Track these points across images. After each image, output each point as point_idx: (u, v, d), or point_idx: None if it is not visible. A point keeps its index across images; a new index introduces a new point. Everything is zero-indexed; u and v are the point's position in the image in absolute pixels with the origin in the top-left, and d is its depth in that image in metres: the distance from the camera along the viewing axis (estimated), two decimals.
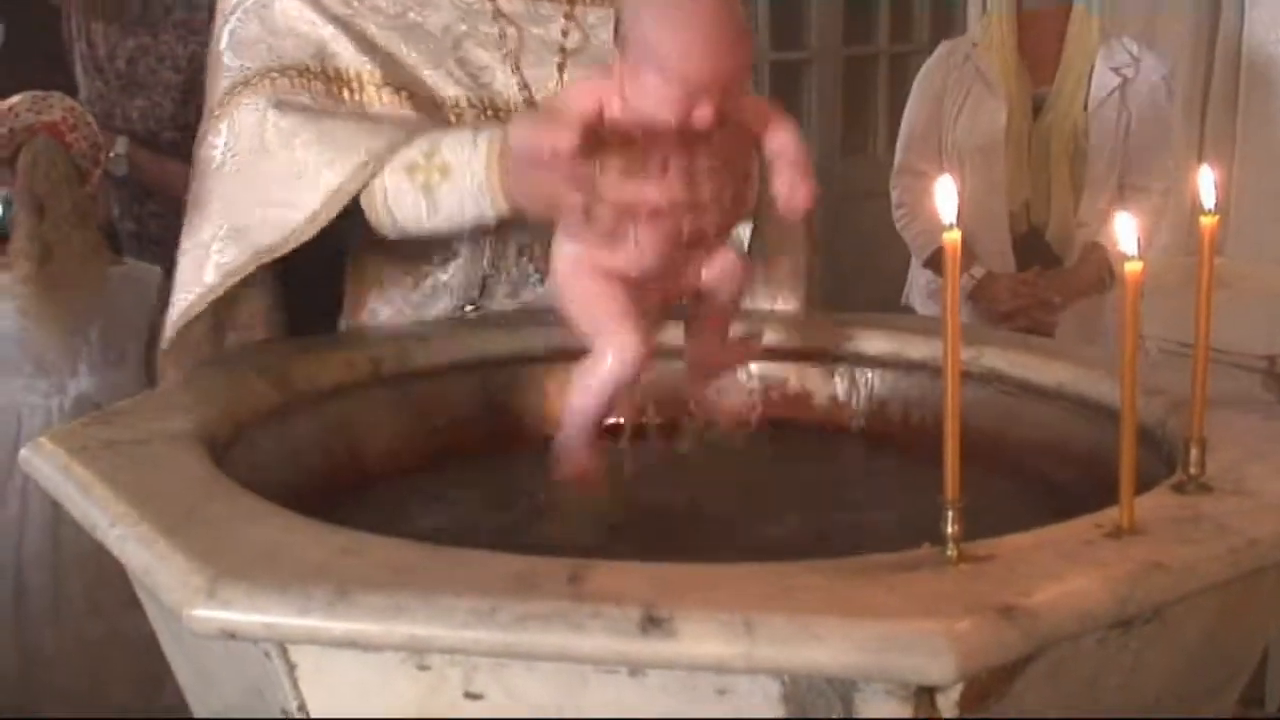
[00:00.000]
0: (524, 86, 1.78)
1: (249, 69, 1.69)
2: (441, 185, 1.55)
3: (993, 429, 1.53)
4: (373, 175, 1.57)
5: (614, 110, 1.34)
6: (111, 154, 2.95)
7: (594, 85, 1.39)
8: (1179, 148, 3.78)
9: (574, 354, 1.77)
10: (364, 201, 1.59)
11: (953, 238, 0.87)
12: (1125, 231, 0.92)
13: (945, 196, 0.89)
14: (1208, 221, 0.98)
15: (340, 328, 1.82)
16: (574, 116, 1.31)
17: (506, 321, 1.80)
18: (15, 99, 2.53)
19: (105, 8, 3.12)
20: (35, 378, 2.49)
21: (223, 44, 1.74)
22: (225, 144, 1.67)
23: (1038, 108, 3.27)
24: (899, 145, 3.44)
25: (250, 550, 1.06)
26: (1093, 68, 3.24)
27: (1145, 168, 3.23)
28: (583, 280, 1.41)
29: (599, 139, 1.33)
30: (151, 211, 3.13)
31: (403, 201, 1.58)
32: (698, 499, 1.50)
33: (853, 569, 0.96)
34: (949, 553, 0.95)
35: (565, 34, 1.82)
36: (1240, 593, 1.02)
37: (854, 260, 4.19)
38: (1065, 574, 0.92)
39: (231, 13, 1.75)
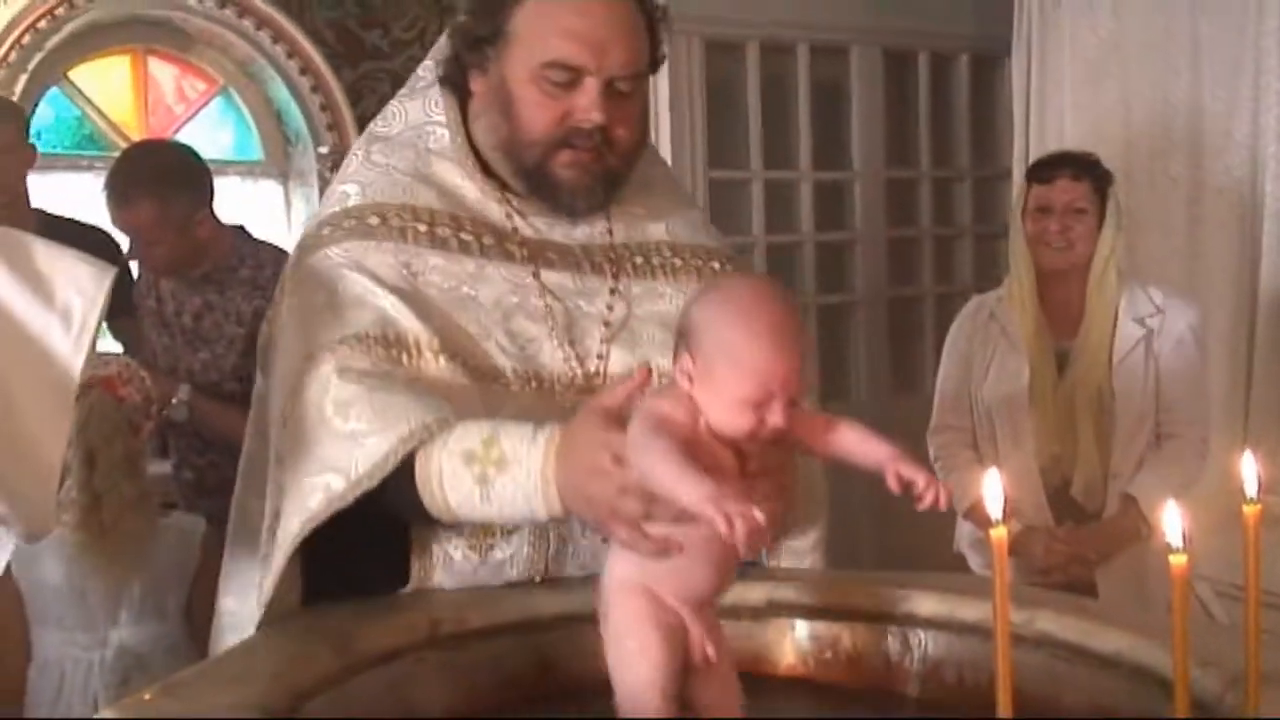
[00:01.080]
0: (569, 359, 1.83)
1: (312, 341, 1.76)
2: (498, 478, 1.58)
3: (1045, 694, 1.53)
4: (419, 445, 1.61)
5: (688, 427, 1.39)
6: (174, 400, 3.04)
7: (670, 405, 1.42)
8: (1221, 391, 3.80)
9: None
10: (419, 479, 1.62)
11: (999, 535, 0.90)
12: (1171, 524, 0.94)
13: (992, 492, 0.92)
14: (1251, 511, 1.00)
15: None
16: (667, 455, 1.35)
17: (562, 584, 1.82)
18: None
19: (171, 272, 3.24)
20: (76, 630, 2.50)
21: (284, 319, 1.83)
22: (285, 416, 1.73)
23: (1062, 364, 3.29)
24: (934, 403, 3.48)
25: None
26: (1117, 319, 3.26)
27: (1178, 414, 3.22)
28: (631, 604, 1.45)
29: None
30: (211, 461, 3.20)
31: (459, 486, 1.61)
32: None
33: None
34: None
35: (610, 308, 1.89)
36: None
37: (907, 501, 4.19)
38: None
39: (295, 291, 1.85)
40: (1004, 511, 0.92)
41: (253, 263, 3.29)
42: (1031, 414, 3.25)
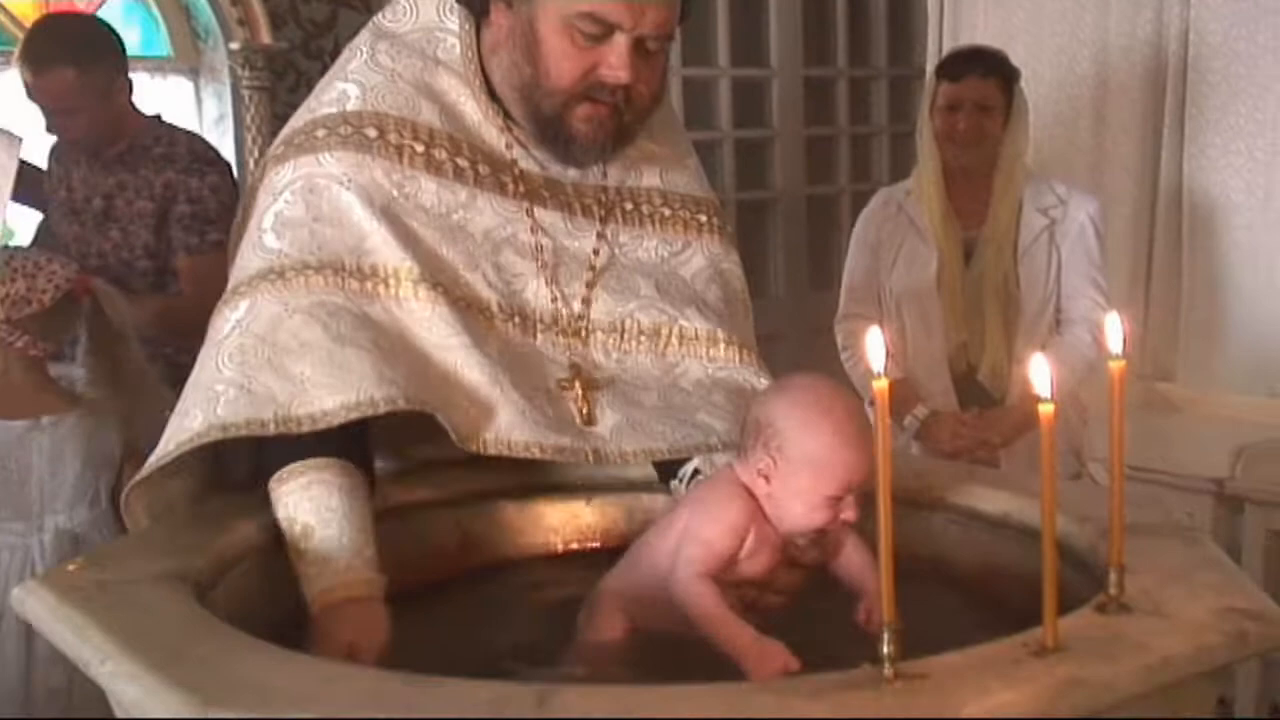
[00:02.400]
0: (554, 298, 1.83)
1: (287, 256, 1.72)
2: (299, 561, 1.61)
3: (937, 553, 1.62)
4: (366, 416, 1.61)
5: (753, 538, 1.50)
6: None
7: (738, 516, 1.52)
8: (1121, 282, 3.91)
9: (543, 489, 1.88)
10: (273, 481, 1.65)
11: (880, 386, 0.97)
12: (1039, 373, 1.01)
13: (875, 346, 0.98)
14: (1116, 366, 1.08)
15: None
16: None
17: (483, 463, 1.87)
18: (21, 270, 2.57)
19: (90, 145, 3.18)
20: (10, 520, 2.50)
21: (266, 221, 1.77)
22: (239, 320, 1.70)
23: (969, 253, 3.36)
24: (842, 292, 3.54)
25: (236, 683, 1.13)
26: (1022, 210, 3.33)
27: (1077, 302, 3.31)
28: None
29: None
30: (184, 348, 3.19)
31: (283, 525, 1.64)
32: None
33: (799, 689, 1.03)
34: (886, 672, 1.02)
35: (596, 252, 1.87)
36: (1160, 706, 1.09)
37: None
38: (994, 690, 1.00)
39: (280, 193, 1.78)
40: (885, 365, 0.99)
41: (167, 141, 3.24)
42: (939, 302, 3.32)
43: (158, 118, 3.35)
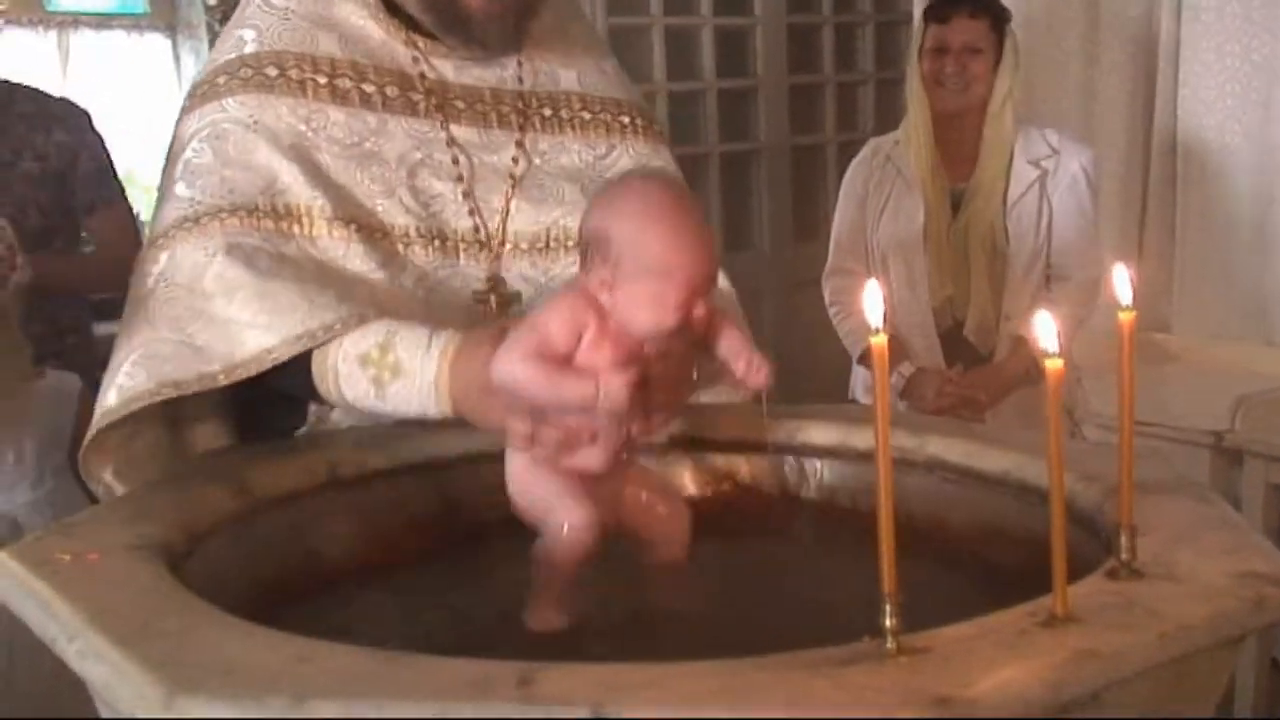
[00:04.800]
0: (474, 212, 1.82)
1: (200, 203, 1.71)
2: (392, 383, 1.60)
3: (937, 516, 1.57)
4: (304, 349, 1.60)
5: (593, 332, 1.42)
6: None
7: (573, 313, 1.43)
8: (1114, 230, 3.87)
9: None
10: (316, 372, 1.63)
11: (879, 342, 0.91)
12: (1044, 329, 0.96)
13: (872, 301, 0.93)
14: (1125, 318, 1.02)
15: None
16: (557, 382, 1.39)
17: (458, 424, 1.83)
18: None
19: None
20: None
21: (177, 172, 1.76)
22: (161, 273, 1.69)
23: (957, 204, 3.30)
24: (830, 246, 3.50)
25: (206, 661, 1.08)
26: (1012, 161, 3.28)
27: (1069, 257, 3.27)
28: (533, 474, 1.49)
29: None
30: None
31: (354, 386, 1.62)
32: (648, 595, 1.53)
33: (797, 664, 0.98)
34: (888, 645, 0.98)
35: (515, 161, 1.86)
36: (1175, 675, 1.05)
37: (807, 345, 4.25)
38: (1001, 663, 0.95)
39: (188, 142, 1.78)
40: (884, 320, 0.94)
41: (30, 98, 3.18)
42: (925, 255, 3.28)
43: None
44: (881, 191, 3.38)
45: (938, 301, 3.31)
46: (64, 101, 3.30)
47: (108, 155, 3.27)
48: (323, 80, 1.78)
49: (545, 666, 0.99)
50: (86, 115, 3.28)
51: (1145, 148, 4.01)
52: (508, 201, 1.84)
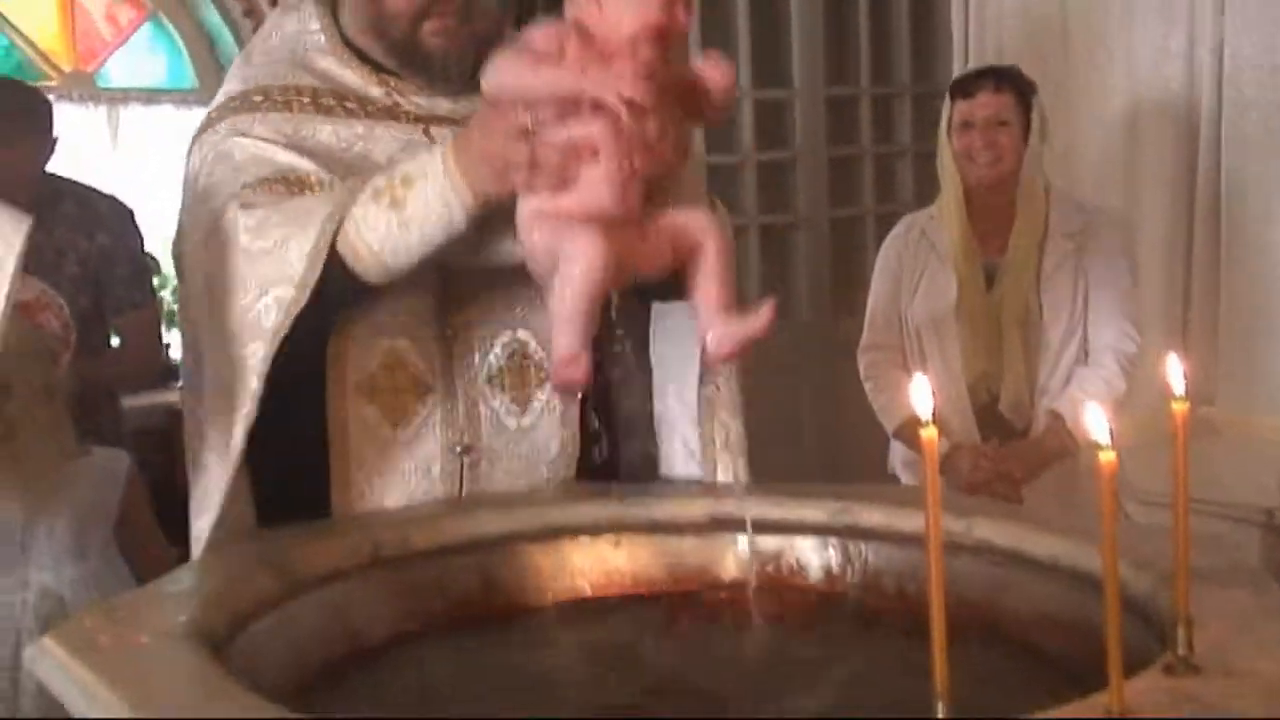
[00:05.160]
0: None
1: (218, 201, 1.78)
2: (408, 195, 1.63)
3: (986, 600, 1.55)
4: (336, 224, 1.65)
5: (575, 43, 1.50)
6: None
7: (554, 29, 1.53)
8: (1157, 304, 3.84)
9: (567, 531, 1.82)
10: (342, 250, 1.66)
11: (929, 435, 0.90)
12: (1096, 421, 0.95)
13: (920, 393, 0.92)
14: (1179, 408, 1.01)
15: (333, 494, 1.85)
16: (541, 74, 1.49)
17: (500, 503, 1.83)
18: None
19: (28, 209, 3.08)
20: None
21: (191, 200, 1.86)
22: (207, 275, 1.76)
23: (991, 278, 3.29)
24: (865, 321, 3.49)
25: None
26: (1047, 234, 3.27)
27: (1106, 331, 3.24)
28: (544, 222, 1.55)
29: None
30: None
31: (375, 225, 1.65)
32: (692, 676, 1.51)
33: None
34: None
35: None
36: None
37: (846, 417, 4.23)
38: None
39: (198, 171, 1.86)
40: (933, 414, 0.93)
41: (73, 197, 3.21)
42: (959, 330, 3.26)
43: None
44: (916, 266, 3.38)
45: (972, 376, 3.29)
46: (109, 201, 3.34)
47: (144, 256, 3.32)
48: (306, 99, 1.87)
49: None
50: (129, 214, 3.32)
51: (1188, 220, 3.98)
52: None
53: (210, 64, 5.30)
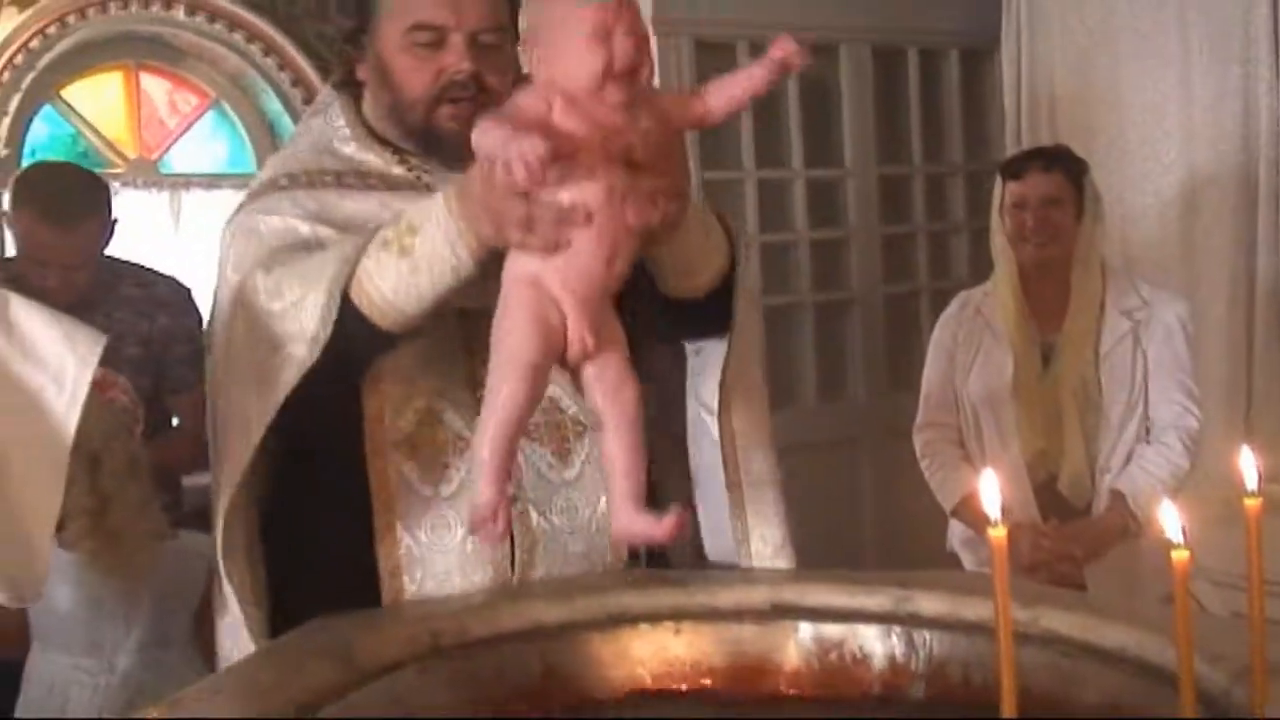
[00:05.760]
0: None
1: (248, 269, 1.85)
2: (414, 242, 1.66)
3: (1054, 693, 1.52)
4: (349, 273, 1.69)
5: (557, 111, 1.51)
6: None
7: (534, 95, 1.55)
8: (1221, 379, 3.79)
9: (627, 619, 1.81)
10: (353, 295, 1.69)
11: (998, 535, 0.89)
12: (1170, 520, 0.94)
13: (990, 493, 0.91)
14: (1252, 504, 1.00)
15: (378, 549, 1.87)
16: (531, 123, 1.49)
17: (559, 590, 1.82)
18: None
19: (86, 292, 3.10)
20: (81, 655, 2.46)
21: (220, 279, 1.95)
22: (229, 341, 1.85)
23: (1047, 356, 3.27)
24: (920, 399, 3.47)
25: None
26: (1104, 311, 3.25)
27: (1166, 409, 3.21)
28: (516, 293, 1.56)
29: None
30: None
31: (386, 273, 1.68)
32: None
33: None
34: None
35: None
36: None
37: (904, 495, 4.20)
38: None
39: (227, 251, 1.95)
40: (1001, 510, 0.92)
41: (133, 280, 3.25)
42: (1016, 408, 3.24)
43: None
44: (971, 344, 3.36)
45: (1030, 455, 3.26)
46: (168, 281, 3.38)
47: (202, 336, 3.34)
48: (329, 179, 1.96)
49: None
50: (188, 294, 3.35)
51: (1249, 295, 3.95)
52: None
53: (270, 149, 5.38)
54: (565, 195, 1.51)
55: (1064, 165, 3.27)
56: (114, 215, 3.19)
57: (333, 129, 2.04)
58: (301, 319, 1.72)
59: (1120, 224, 3.50)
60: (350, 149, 2.00)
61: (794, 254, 4.94)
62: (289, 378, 1.71)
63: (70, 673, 2.49)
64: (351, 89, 2.05)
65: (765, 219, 4.85)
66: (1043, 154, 3.33)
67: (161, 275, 3.39)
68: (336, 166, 1.98)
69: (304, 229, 1.88)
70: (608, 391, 1.59)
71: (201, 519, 3.41)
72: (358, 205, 1.92)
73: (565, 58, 1.53)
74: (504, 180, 1.49)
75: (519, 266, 1.57)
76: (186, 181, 5.45)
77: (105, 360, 2.97)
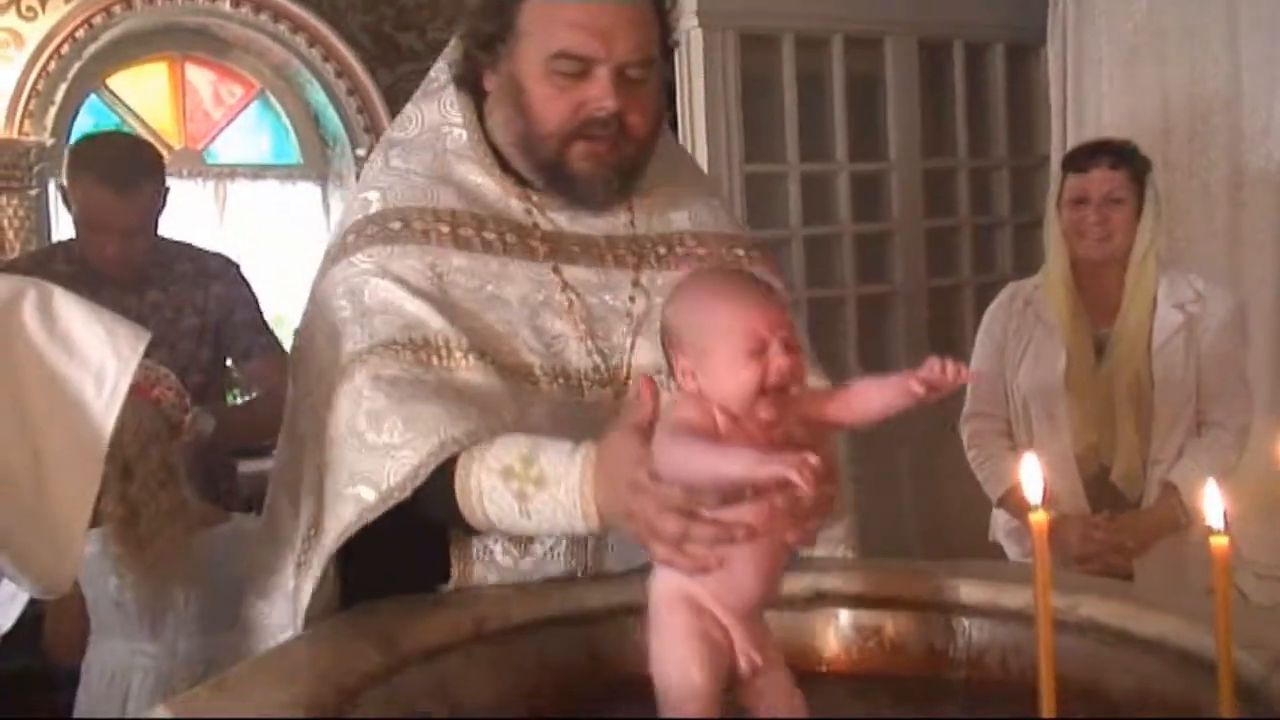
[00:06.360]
0: (593, 352, 1.84)
1: (344, 353, 1.76)
2: (537, 495, 1.58)
3: (1092, 680, 1.53)
4: (447, 456, 1.62)
5: (710, 427, 1.40)
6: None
7: (699, 405, 1.43)
8: (1266, 373, 3.77)
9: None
10: (459, 491, 1.63)
11: (1039, 520, 0.90)
12: (1211, 505, 0.94)
13: (1030, 476, 0.92)
14: None
15: None
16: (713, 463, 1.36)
17: (607, 577, 1.83)
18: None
19: (132, 269, 3.14)
20: (143, 642, 2.48)
21: (317, 331, 1.84)
22: (324, 429, 1.74)
23: (1100, 350, 3.26)
24: (968, 390, 3.45)
25: None
26: (1156, 306, 3.23)
27: (1218, 402, 3.19)
28: (675, 618, 1.45)
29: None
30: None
31: (498, 501, 1.61)
32: None
33: None
34: None
35: (633, 300, 1.89)
36: None
37: (947, 488, 4.19)
38: None
39: (326, 302, 1.85)
40: (1043, 496, 0.93)
41: (188, 256, 3.27)
42: (1069, 401, 3.22)
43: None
44: (1021, 337, 3.35)
45: (1082, 447, 3.24)
46: (218, 256, 3.41)
47: (259, 305, 3.37)
48: (445, 229, 1.84)
49: None
50: (238, 267, 3.39)
51: None
52: (629, 339, 1.87)
53: (314, 140, 5.43)
54: (725, 513, 1.40)
55: (1130, 163, 3.24)
56: (167, 184, 3.21)
57: (448, 125, 1.93)
58: (387, 468, 1.65)
59: (1167, 219, 3.47)
60: (465, 169, 1.90)
61: (837, 247, 4.93)
62: (351, 518, 1.67)
63: (130, 659, 2.50)
64: (472, 87, 1.93)
65: (809, 212, 4.85)
66: (1110, 150, 3.27)
67: (211, 252, 3.43)
68: (451, 204, 1.86)
69: (409, 307, 1.77)
70: (772, 709, 1.48)
71: (258, 504, 3.43)
72: (471, 266, 1.83)
73: (720, 374, 1.42)
74: (665, 500, 1.40)
75: (669, 585, 1.46)
76: (231, 172, 5.50)
77: (165, 333, 3.06)
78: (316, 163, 5.40)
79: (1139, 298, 3.21)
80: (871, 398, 1.48)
